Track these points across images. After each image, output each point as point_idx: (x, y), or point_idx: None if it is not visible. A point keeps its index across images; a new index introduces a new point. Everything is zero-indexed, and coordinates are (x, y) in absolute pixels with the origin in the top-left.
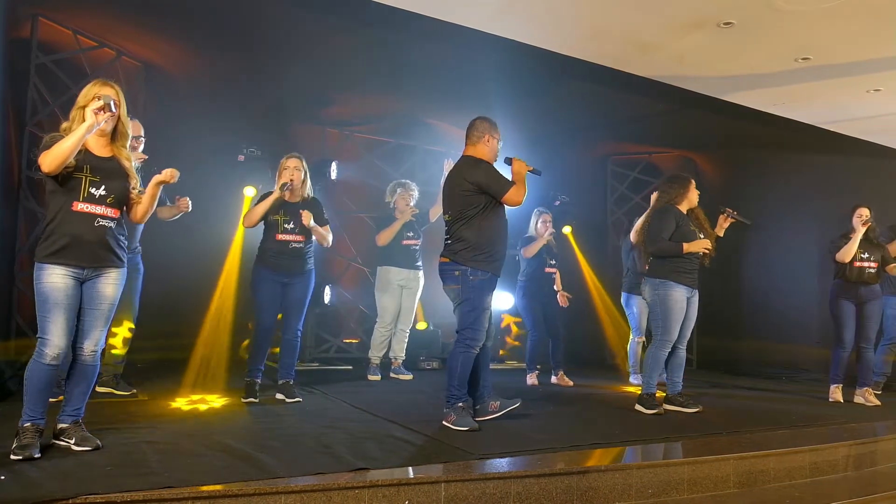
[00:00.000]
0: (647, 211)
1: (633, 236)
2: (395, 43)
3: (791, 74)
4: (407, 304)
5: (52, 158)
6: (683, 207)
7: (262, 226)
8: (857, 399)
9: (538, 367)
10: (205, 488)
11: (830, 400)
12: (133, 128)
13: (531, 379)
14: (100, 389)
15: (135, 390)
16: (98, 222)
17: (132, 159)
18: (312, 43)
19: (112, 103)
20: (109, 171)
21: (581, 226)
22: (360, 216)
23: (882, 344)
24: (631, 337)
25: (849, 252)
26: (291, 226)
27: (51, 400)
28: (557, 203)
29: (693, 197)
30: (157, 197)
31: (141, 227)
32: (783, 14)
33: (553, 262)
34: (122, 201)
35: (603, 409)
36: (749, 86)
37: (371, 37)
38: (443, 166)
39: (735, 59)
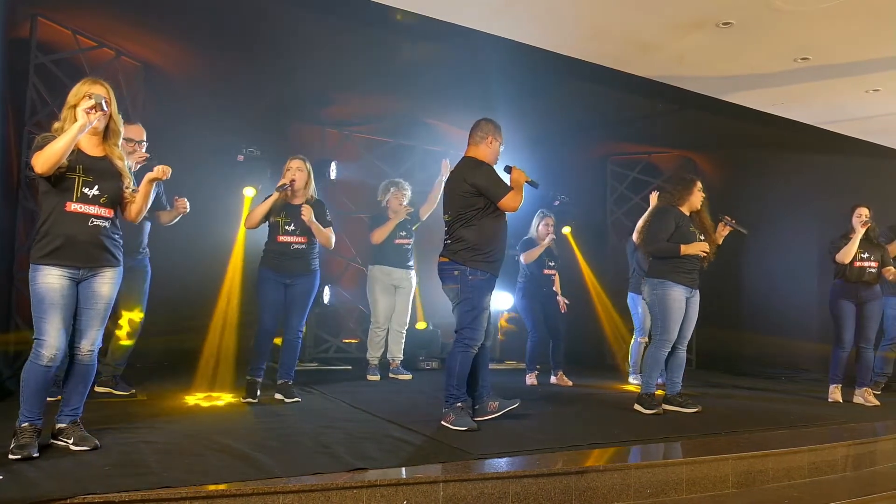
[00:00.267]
0: (648, 211)
1: (635, 236)
2: (394, 43)
3: (790, 74)
4: (401, 303)
5: (44, 159)
6: (685, 209)
7: (265, 227)
8: (857, 399)
9: (538, 367)
10: (203, 488)
11: (830, 400)
12: (135, 132)
13: (530, 379)
14: (99, 389)
15: (134, 390)
16: (92, 222)
17: (125, 158)
18: (312, 43)
19: (104, 102)
20: (102, 171)
21: (580, 226)
22: (360, 216)
23: (882, 344)
24: (634, 337)
25: (849, 253)
26: (293, 227)
27: (49, 399)
28: (557, 203)
29: (695, 200)
30: (151, 194)
31: (147, 229)
32: (782, 14)
33: (552, 263)
34: (116, 201)
35: (602, 409)
36: (748, 86)
37: (371, 37)
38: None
39: (734, 60)
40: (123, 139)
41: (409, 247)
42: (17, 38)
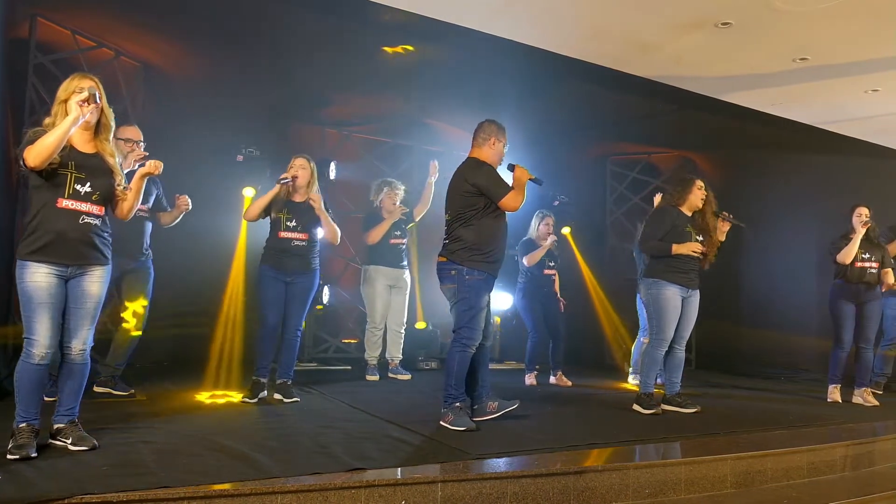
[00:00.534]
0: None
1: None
2: (393, 43)
3: (789, 74)
4: (397, 303)
5: (37, 153)
6: (685, 209)
7: (267, 225)
8: (856, 399)
9: (537, 367)
10: (201, 488)
11: (829, 400)
12: (132, 132)
13: (530, 379)
14: (98, 389)
15: (133, 390)
16: (83, 219)
17: (116, 155)
18: (312, 43)
19: (96, 94)
20: (95, 168)
21: (580, 226)
22: (359, 216)
23: (882, 344)
24: (638, 336)
25: (849, 253)
26: (294, 224)
27: (47, 399)
28: (556, 203)
29: (694, 199)
30: (142, 191)
31: (149, 230)
32: (781, 14)
33: (552, 263)
34: (108, 198)
35: (601, 410)
36: (747, 86)
37: (369, 37)
38: (438, 166)
39: (733, 60)
40: (122, 140)
41: (404, 246)
42: (17, 38)
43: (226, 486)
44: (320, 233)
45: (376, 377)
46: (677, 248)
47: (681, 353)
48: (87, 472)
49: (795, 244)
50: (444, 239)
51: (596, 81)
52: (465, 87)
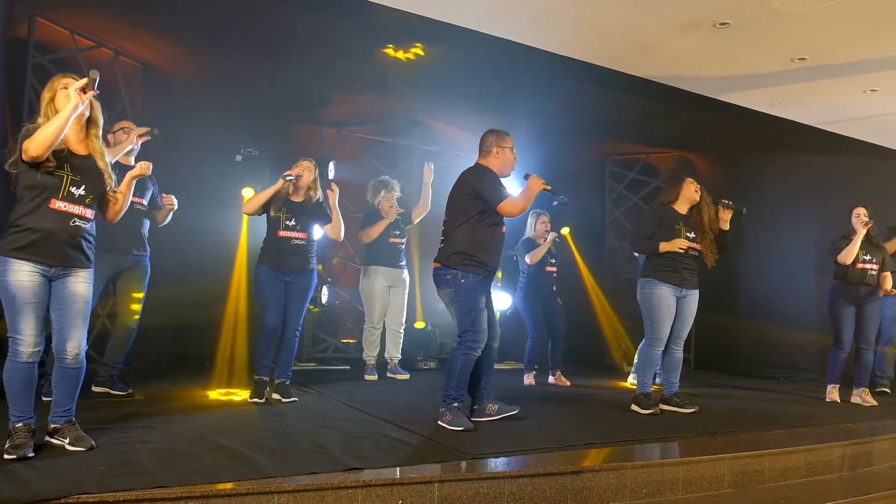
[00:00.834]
0: None
1: None
2: (391, 43)
3: (787, 75)
4: (396, 302)
5: (38, 142)
6: (682, 206)
7: (265, 225)
8: (854, 399)
9: (536, 367)
10: (197, 487)
11: (827, 400)
12: (126, 124)
13: (528, 379)
14: (96, 389)
15: (131, 390)
16: (74, 222)
17: (106, 154)
18: (310, 43)
19: (96, 80)
20: (89, 171)
21: (579, 226)
22: (358, 216)
23: (881, 342)
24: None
25: (850, 254)
26: (293, 223)
27: (45, 399)
28: (555, 203)
29: (688, 193)
30: (131, 194)
31: (147, 226)
32: (779, 14)
33: (553, 261)
34: (99, 202)
35: (599, 409)
36: (746, 86)
37: (368, 37)
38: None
39: (732, 60)
40: (121, 129)
41: (403, 246)
42: (15, 37)
43: (222, 486)
44: (318, 233)
45: (375, 377)
46: (664, 246)
47: (678, 353)
48: (85, 471)
49: (795, 244)
50: (440, 242)
51: (595, 81)
52: (465, 87)
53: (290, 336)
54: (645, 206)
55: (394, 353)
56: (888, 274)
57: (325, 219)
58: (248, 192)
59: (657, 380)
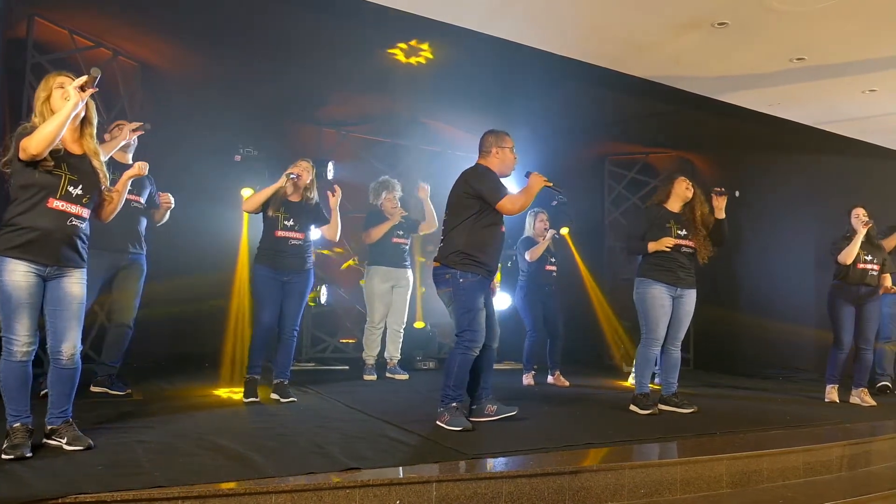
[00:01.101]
0: None
1: None
2: (390, 43)
3: (786, 75)
4: (398, 302)
5: (38, 141)
6: (674, 205)
7: (261, 225)
8: (853, 399)
9: (535, 367)
10: (195, 487)
11: (826, 400)
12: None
13: (527, 379)
14: (94, 389)
15: (130, 390)
16: (71, 221)
17: (100, 152)
18: (309, 43)
19: (97, 78)
20: (86, 171)
21: (578, 226)
22: (357, 216)
23: (879, 341)
24: None
25: (850, 253)
26: (291, 223)
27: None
28: (554, 203)
29: (680, 191)
30: (126, 192)
31: (145, 224)
32: (777, 14)
33: (553, 259)
34: (96, 202)
35: (598, 410)
36: (745, 86)
37: (367, 37)
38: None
39: (730, 60)
40: (115, 126)
41: (407, 246)
42: (14, 37)
43: (220, 486)
44: (314, 233)
45: (374, 377)
46: (652, 246)
47: (676, 353)
48: (82, 471)
49: (794, 244)
50: (440, 242)
51: (594, 81)
52: (464, 87)
53: (287, 336)
54: (644, 206)
55: (393, 352)
56: (887, 275)
57: (322, 220)
58: (247, 192)
59: (656, 380)
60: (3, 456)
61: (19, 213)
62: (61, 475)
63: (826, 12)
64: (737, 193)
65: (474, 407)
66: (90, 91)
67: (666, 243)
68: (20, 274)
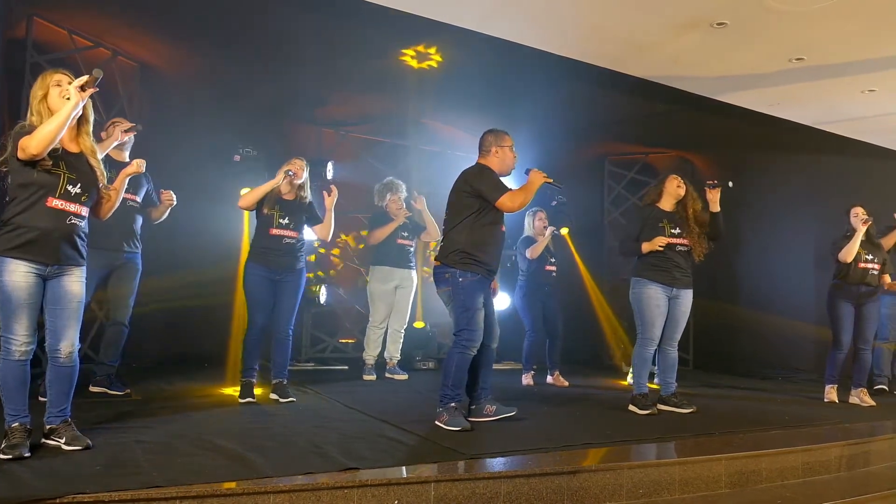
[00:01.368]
0: None
1: None
2: (389, 43)
3: (785, 75)
4: (401, 303)
5: (39, 140)
6: (667, 203)
7: (254, 223)
8: (853, 399)
9: (534, 367)
10: (192, 487)
11: (826, 400)
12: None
13: (526, 379)
14: (93, 389)
15: (129, 390)
16: (70, 220)
17: (97, 150)
18: (308, 43)
19: (98, 79)
20: (84, 170)
21: (578, 226)
22: (356, 216)
23: (877, 341)
24: None
25: (850, 251)
26: (286, 221)
27: (40, 398)
28: (554, 203)
29: (671, 189)
30: (124, 190)
31: (140, 223)
32: (777, 14)
33: (553, 259)
34: (94, 200)
35: (597, 410)
36: (744, 86)
37: (366, 37)
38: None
39: (729, 60)
40: (111, 125)
41: (412, 248)
42: (13, 37)
43: (218, 486)
44: (308, 233)
45: (373, 377)
46: (646, 247)
47: (673, 353)
48: (80, 471)
49: (794, 244)
50: (441, 241)
51: (593, 82)
52: (464, 87)
53: (283, 336)
54: (637, 206)
55: (393, 352)
56: (887, 276)
57: (316, 219)
58: (246, 192)
59: (655, 380)
60: (2, 456)
61: (18, 212)
62: (59, 475)
63: (825, 12)
64: (730, 184)
65: (473, 407)
66: (90, 91)
67: (659, 243)
68: (20, 274)
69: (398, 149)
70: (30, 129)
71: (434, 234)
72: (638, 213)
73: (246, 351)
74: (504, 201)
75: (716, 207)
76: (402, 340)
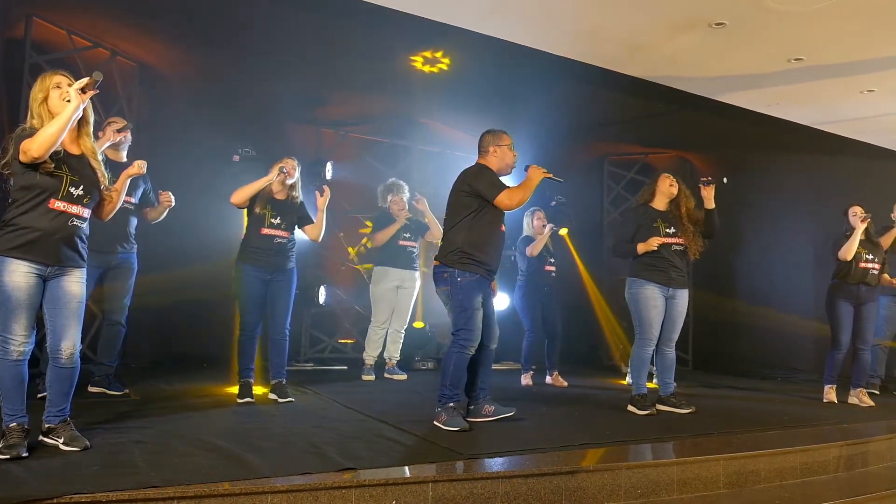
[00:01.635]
0: None
1: None
2: (389, 43)
3: (784, 75)
4: (403, 304)
5: (40, 143)
6: (660, 203)
7: (246, 223)
8: (851, 400)
9: (533, 367)
10: (190, 488)
11: (825, 400)
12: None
13: (526, 379)
14: (92, 389)
15: (127, 390)
16: (72, 222)
17: (97, 152)
18: (307, 43)
19: (98, 81)
20: (86, 172)
21: (577, 226)
22: (356, 216)
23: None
24: None
25: (850, 250)
26: (278, 220)
27: (40, 398)
28: (553, 203)
29: (664, 188)
30: (125, 192)
31: (135, 224)
32: (775, 14)
33: (553, 259)
34: (96, 201)
35: (596, 410)
36: (743, 86)
37: (365, 37)
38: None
39: (728, 60)
40: (109, 122)
41: (415, 249)
42: (12, 38)
43: (216, 486)
44: (299, 233)
45: (372, 377)
46: (641, 248)
47: (671, 353)
48: (78, 471)
49: (794, 244)
50: (441, 241)
51: (592, 82)
52: (463, 87)
53: (279, 337)
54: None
55: (393, 353)
56: (886, 276)
57: (307, 219)
58: None
59: (654, 380)
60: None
61: (20, 213)
62: (57, 475)
63: (824, 12)
64: (724, 180)
65: (472, 407)
66: (91, 93)
67: (653, 243)
68: (21, 274)
69: (398, 149)
70: (31, 132)
71: (437, 234)
72: (631, 214)
73: (240, 352)
74: (502, 199)
75: (710, 204)
76: (402, 341)
